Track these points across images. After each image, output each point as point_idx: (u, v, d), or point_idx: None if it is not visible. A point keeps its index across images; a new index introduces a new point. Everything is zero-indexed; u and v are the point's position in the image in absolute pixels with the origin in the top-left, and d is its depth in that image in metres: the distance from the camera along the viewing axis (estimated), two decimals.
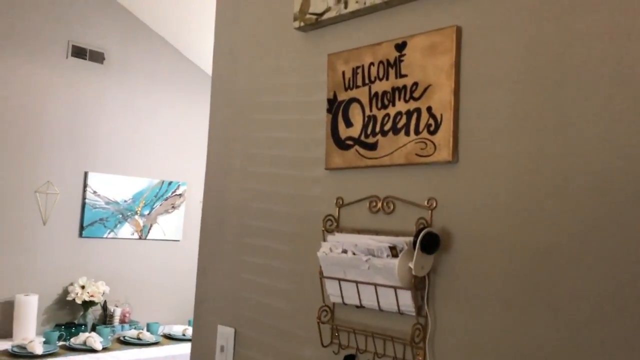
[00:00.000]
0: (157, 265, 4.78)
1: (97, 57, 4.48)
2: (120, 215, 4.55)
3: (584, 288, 0.95)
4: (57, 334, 3.78)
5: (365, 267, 1.21)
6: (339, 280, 1.28)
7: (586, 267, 0.95)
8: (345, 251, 1.26)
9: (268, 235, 1.53)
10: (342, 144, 1.34)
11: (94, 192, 4.38)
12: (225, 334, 1.62)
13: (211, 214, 1.74)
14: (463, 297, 1.11)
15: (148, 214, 4.72)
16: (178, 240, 4.92)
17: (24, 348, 3.47)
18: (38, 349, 3.46)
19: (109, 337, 3.94)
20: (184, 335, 4.16)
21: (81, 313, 4.18)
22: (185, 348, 3.89)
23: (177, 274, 4.86)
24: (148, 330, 4.17)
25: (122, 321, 4.32)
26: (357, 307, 1.29)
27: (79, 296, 4.08)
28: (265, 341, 1.50)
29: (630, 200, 0.92)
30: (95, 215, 4.39)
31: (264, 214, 1.56)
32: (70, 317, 4.22)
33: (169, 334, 4.20)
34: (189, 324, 4.39)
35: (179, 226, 4.92)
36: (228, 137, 1.71)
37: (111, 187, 4.48)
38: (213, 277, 1.69)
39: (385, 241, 1.19)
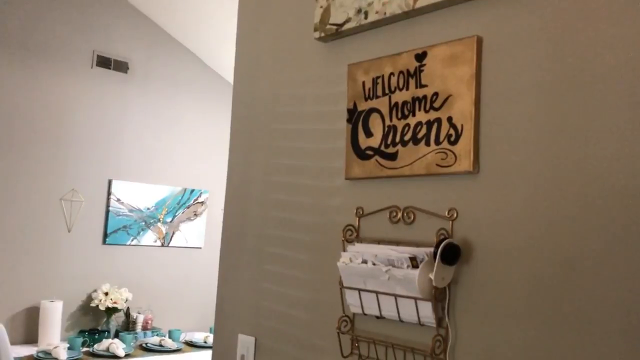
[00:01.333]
0: (179, 272, 4.82)
1: (122, 66, 4.55)
2: (144, 223, 4.60)
3: (610, 299, 0.94)
4: (80, 340, 3.83)
5: (385, 278, 1.21)
6: (359, 290, 1.28)
7: (612, 278, 0.94)
8: (365, 261, 1.26)
9: (288, 245, 1.54)
10: (362, 154, 1.34)
11: (118, 200, 4.44)
12: (246, 343, 1.62)
13: (232, 223, 1.75)
14: (484, 310, 1.10)
15: (170, 222, 4.77)
16: (200, 248, 4.96)
17: (49, 354, 3.52)
18: (62, 354, 3.50)
19: (132, 343, 3.98)
20: (205, 342, 4.18)
21: (104, 319, 4.23)
22: (207, 356, 3.91)
23: (198, 281, 4.89)
24: (170, 337, 4.20)
25: (144, 328, 4.36)
26: (377, 317, 1.28)
27: (103, 302, 4.13)
28: (285, 351, 1.50)
29: None
30: (119, 222, 4.45)
31: (284, 223, 1.56)
32: (93, 324, 4.27)
33: (191, 341, 4.23)
34: (211, 332, 4.41)
35: (201, 233, 4.95)
36: (249, 146, 1.72)
37: (134, 194, 4.54)
38: (234, 286, 1.70)
39: (405, 252, 1.19)
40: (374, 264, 1.23)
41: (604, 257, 0.95)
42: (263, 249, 1.62)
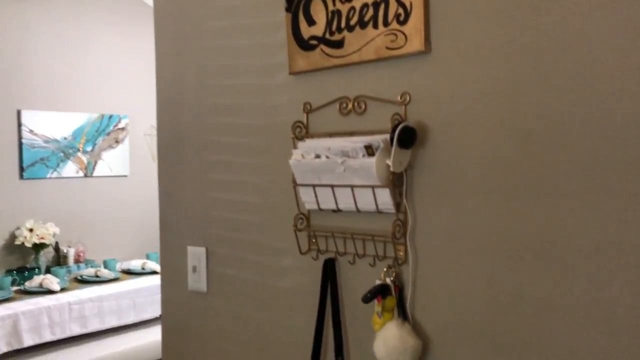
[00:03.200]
0: (107, 202, 4.65)
1: None
2: (62, 154, 4.35)
3: (566, 168, 0.96)
4: (9, 279, 3.66)
5: (340, 170, 1.18)
6: (314, 186, 1.25)
7: (569, 147, 0.95)
8: (318, 156, 1.23)
9: (233, 150, 1.48)
10: (305, 45, 1.27)
11: (31, 131, 4.15)
12: (196, 254, 1.58)
13: (167, 134, 1.66)
14: (442, 190, 1.11)
15: (91, 151, 4.53)
16: (126, 176, 4.78)
17: None
18: None
19: (66, 277, 3.86)
20: (143, 269, 4.12)
21: (32, 256, 4.06)
22: (146, 281, 3.87)
23: (128, 209, 4.75)
24: (106, 267, 4.10)
25: (77, 261, 4.22)
26: (333, 211, 1.27)
27: (28, 239, 3.94)
28: (241, 256, 1.48)
29: (609, 80, 0.91)
30: (35, 155, 4.18)
31: (226, 128, 1.49)
32: (21, 262, 4.09)
33: (128, 269, 4.15)
34: (148, 258, 4.35)
35: (125, 161, 4.76)
36: (178, 49, 1.61)
37: (49, 124, 4.25)
38: (177, 199, 1.63)
39: (360, 141, 1.16)
40: (327, 157, 1.20)
41: (561, 127, 0.96)
42: (206, 158, 1.55)
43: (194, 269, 1.59)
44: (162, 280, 1.70)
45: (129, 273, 4.11)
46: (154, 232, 4.92)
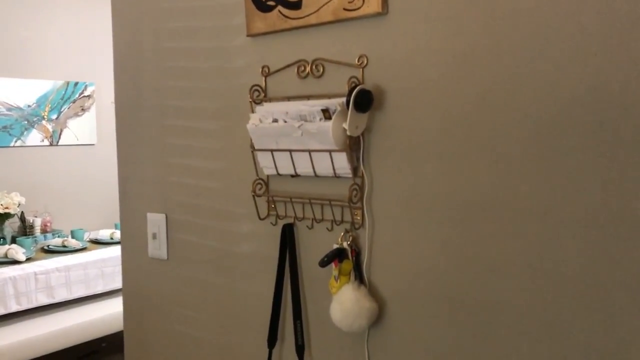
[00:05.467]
0: (74, 172, 4.56)
1: None
2: (26, 122, 4.23)
3: (520, 128, 0.96)
4: None
5: (298, 134, 1.17)
6: (272, 151, 1.24)
7: (522, 110, 0.95)
8: (276, 120, 1.21)
9: (191, 115, 1.45)
10: (262, 6, 1.24)
11: None
12: (156, 221, 1.57)
13: (125, 98, 1.62)
14: (399, 153, 1.10)
15: (56, 119, 4.42)
16: (93, 144, 4.69)
17: None
18: None
19: (32, 247, 3.79)
20: (111, 238, 4.07)
21: None
22: (115, 251, 3.83)
23: (96, 179, 4.67)
24: (73, 237, 4.04)
25: (43, 231, 4.15)
26: (292, 176, 1.26)
27: None
28: (200, 223, 1.47)
29: (565, 37, 0.91)
30: None
31: (184, 92, 1.46)
32: None
33: (96, 239, 4.10)
34: (116, 228, 4.30)
35: (92, 130, 4.66)
36: (135, 13, 1.56)
37: (10, 92, 4.13)
38: (136, 165, 1.61)
39: (317, 105, 1.14)
40: (285, 122, 1.19)
41: (514, 88, 0.96)
42: (164, 122, 1.52)
43: (154, 236, 1.57)
44: (123, 247, 1.69)
45: (97, 243, 4.06)
46: None
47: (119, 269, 3.71)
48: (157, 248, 1.56)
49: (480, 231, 1.01)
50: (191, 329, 1.51)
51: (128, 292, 1.68)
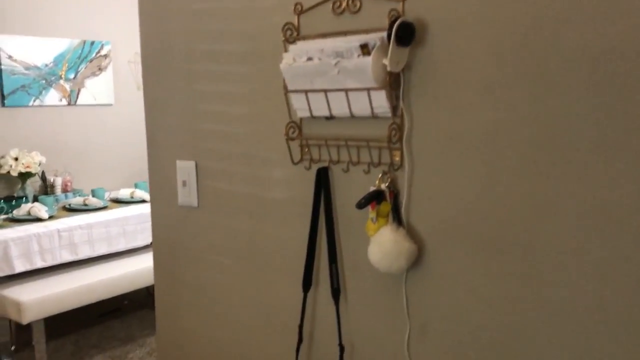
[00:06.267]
0: (92, 132, 4.56)
1: None
2: (44, 81, 4.21)
3: (573, 58, 0.91)
4: None
5: (334, 72, 1.13)
6: (306, 92, 1.21)
7: (574, 37, 0.91)
8: (310, 59, 1.17)
9: (221, 58, 1.41)
10: None
11: (10, 57, 4.00)
12: (185, 169, 1.55)
13: (152, 43, 1.58)
14: (441, 91, 1.07)
15: (74, 78, 4.40)
16: (110, 105, 4.67)
17: None
18: None
19: (54, 206, 3.82)
20: (132, 197, 4.08)
21: (19, 185, 4.00)
22: (135, 209, 3.85)
23: (114, 138, 4.67)
24: (94, 196, 4.06)
25: (64, 190, 4.17)
26: (326, 118, 1.23)
27: (14, 168, 3.87)
28: (231, 169, 1.44)
29: None
30: (16, 82, 4.05)
31: (212, 35, 1.42)
32: (8, 191, 4.03)
33: (117, 198, 4.12)
34: (136, 187, 4.31)
35: (109, 89, 4.63)
36: None
37: (28, 50, 4.10)
38: (164, 112, 1.58)
39: (354, 40, 1.10)
40: (320, 60, 1.15)
41: (567, 15, 0.91)
42: (192, 68, 1.48)
43: (184, 184, 1.56)
44: (152, 196, 1.67)
45: (118, 202, 4.08)
46: (141, 162, 4.86)
47: (140, 227, 3.75)
48: (187, 195, 1.55)
49: (527, 169, 0.98)
50: (223, 277, 1.51)
51: (158, 241, 1.68)
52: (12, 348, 3.44)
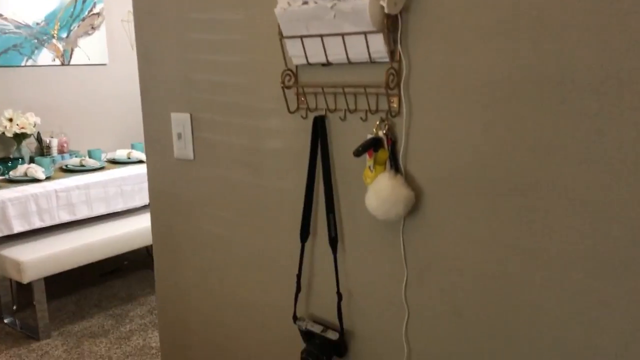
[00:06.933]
0: (87, 92, 4.51)
1: None
2: (36, 40, 4.14)
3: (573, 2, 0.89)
4: None
5: (330, 16, 1.11)
6: (302, 37, 1.18)
7: None
8: (306, 2, 1.14)
9: (214, 5, 1.38)
10: None
11: (0, 16, 3.92)
12: (180, 121, 1.53)
13: None
14: (439, 33, 1.04)
15: (67, 37, 4.32)
16: (105, 64, 4.60)
17: None
18: None
19: (50, 167, 3.80)
20: (129, 158, 4.06)
21: (15, 147, 3.97)
22: (133, 170, 3.84)
23: (109, 99, 4.62)
24: (90, 157, 4.04)
25: (60, 151, 4.15)
26: (323, 65, 1.21)
27: (9, 129, 3.84)
28: (227, 120, 1.42)
29: None
30: (7, 41, 3.97)
31: None
32: (3, 153, 4.01)
33: (113, 159, 4.10)
34: (133, 148, 4.29)
35: (103, 49, 4.56)
36: None
37: (18, 8, 4.01)
38: (157, 63, 1.55)
39: None
40: (316, 3, 1.12)
41: None
42: (185, 17, 1.45)
43: (179, 136, 1.54)
44: (147, 150, 1.66)
45: (115, 162, 4.06)
46: (137, 123, 4.82)
47: (138, 187, 3.74)
48: (183, 148, 1.53)
49: (526, 112, 0.96)
50: (221, 229, 1.50)
51: (155, 194, 1.67)
52: (14, 308, 3.47)
